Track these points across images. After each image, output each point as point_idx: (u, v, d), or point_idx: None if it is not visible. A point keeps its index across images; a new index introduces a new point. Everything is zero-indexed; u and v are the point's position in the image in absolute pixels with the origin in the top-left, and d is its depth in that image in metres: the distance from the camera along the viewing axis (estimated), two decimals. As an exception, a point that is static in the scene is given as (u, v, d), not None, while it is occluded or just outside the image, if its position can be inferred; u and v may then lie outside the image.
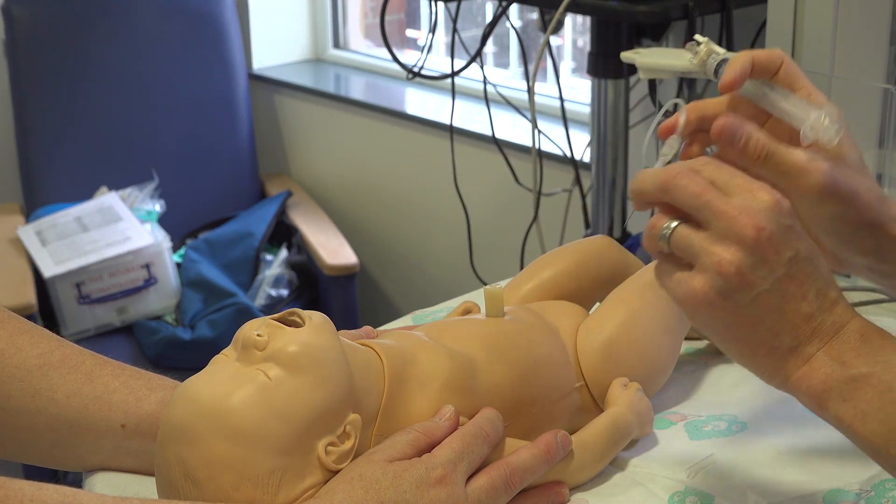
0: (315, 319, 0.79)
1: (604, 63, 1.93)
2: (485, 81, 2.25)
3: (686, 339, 1.02)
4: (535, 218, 2.21)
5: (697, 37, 0.86)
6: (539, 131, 2.07)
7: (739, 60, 0.80)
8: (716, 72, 0.84)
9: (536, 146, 2.07)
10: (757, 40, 1.87)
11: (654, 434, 0.93)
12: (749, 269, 0.69)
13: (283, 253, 2.76)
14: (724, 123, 0.76)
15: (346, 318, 2.62)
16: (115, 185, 2.78)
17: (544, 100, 2.51)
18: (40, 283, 2.56)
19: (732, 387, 1.01)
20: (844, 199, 0.79)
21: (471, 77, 2.47)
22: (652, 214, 0.75)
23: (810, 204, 0.79)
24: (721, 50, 0.85)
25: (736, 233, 0.69)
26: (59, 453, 0.89)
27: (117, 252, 2.58)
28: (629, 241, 1.98)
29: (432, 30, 2.22)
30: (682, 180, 0.71)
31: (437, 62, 2.75)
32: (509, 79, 2.75)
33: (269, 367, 0.77)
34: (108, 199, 2.71)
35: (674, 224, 0.72)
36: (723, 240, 0.70)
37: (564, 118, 2.20)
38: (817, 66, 1.42)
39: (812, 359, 0.71)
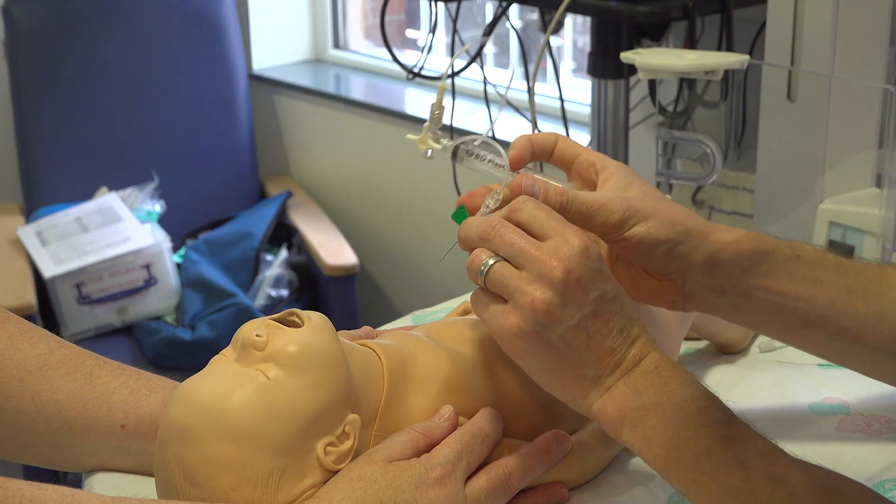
0: (314, 320, 0.79)
1: (604, 63, 1.93)
2: (485, 81, 2.25)
3: (685, 339, 1.02)
4: (535, 218, 2.20)
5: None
6: (539, 132, 2.07)
7: (516, 146, 0.87)
8: (454, 154, 0.98)
9: (536, 146, 2.07)
10: (757, 40, 1.87)
11: (654, 434, 0.93)
12: (559, 307, 0.75)
13: (283, 253, 2.76)
14: (521, 182, 0.82)
15: (345, 319, 2.62)
16: (115, 185, 2.78)
17: (544, 100, 2.51)
18: (40, 283, 2.56)
19: (732, 387, 1.00)
20: (647, 217, 0.81)
21: (471, 77, 2.47)
22: None
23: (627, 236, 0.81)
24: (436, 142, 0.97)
25: (546, 274, 0.75)
26: (58, 454, 0.89)
27: (117, 252, 2.58)
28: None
29: (432, 30, 2.22)
30: (500, 229, 0.78)
31: (437, 62, 2.75)
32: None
33: (268, 368, 0.77)
34: (108, 199, 2.71)
35: (491, 261, 0.78)
36: (535, 281, 0.76)
37: (564, 118, 2.20)
38: (817, 67, 1.42)
39: (612, 388, 0.77)
